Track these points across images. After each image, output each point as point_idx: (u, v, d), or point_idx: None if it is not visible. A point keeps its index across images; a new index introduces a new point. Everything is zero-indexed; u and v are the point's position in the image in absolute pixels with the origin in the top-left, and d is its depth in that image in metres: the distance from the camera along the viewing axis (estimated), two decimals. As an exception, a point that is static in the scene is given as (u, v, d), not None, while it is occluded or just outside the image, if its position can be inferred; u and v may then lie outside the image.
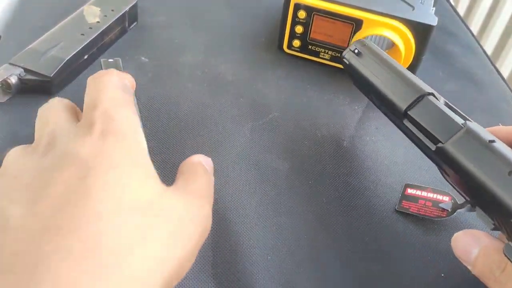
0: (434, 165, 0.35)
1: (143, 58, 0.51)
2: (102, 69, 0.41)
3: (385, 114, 0.41)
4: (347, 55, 0.42)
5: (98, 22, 0.50)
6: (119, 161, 0.28)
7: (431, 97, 0.35)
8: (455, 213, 0.37)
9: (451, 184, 0.34)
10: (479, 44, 0.67)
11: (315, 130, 0.47)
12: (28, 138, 0.33)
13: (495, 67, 0.62)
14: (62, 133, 0.30)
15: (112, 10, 0.52)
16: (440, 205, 0.37)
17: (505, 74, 1.21)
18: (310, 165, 0.43)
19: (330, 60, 0.54)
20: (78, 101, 0.45)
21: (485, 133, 0.30)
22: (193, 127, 0.45)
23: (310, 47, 0.53)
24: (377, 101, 0.40)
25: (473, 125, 0.31)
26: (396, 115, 0.36)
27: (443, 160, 0.32)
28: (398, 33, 0.48)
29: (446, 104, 0.35)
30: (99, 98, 0.32)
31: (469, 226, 0.39)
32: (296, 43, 0.53)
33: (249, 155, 0.43)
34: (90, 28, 0.50)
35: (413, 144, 0.37)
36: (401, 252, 0.38)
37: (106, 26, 0.50)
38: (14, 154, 0.30)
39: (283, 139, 0.45)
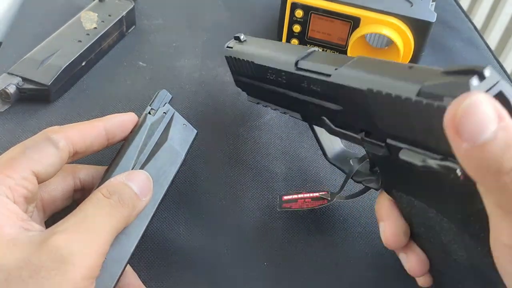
0: None
1: (141, 63, 0.51)
2: None
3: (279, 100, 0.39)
4: (231, 44, 0.41)
5: (95, 28, 0.50)
6: None
7: (319, 50, 0.36)
8: (335, 199, 0.36)
9: (339, 132, 0.33)
10: (482, 38, 0.66)
11: (314, 130, 0.46)
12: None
13: (498, 62, 0.61)
14: None
15: (110, 15, 0.52)
16: (320, 194, 0.36)
17: (509, 69, 1.19)
18: (306, 167, 0.43)
19: (329, 59, 0.53)
20: (76, 107, 0.46)
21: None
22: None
23: (308, 46, 0.53)
24: (272, 79, 0.38)
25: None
26: (288, 77, 0.36)
27: (338, 87, 0.30)
28: (396, 30, 0.48)
29: None
30: None
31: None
32: (294, 42, 0.53)
33: (244, 156, 0.43)
34: (88, 34, 0.50)
35: None
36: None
37: (104, 31, 0.50)
38: None
39: (280, 140, 0.45)
